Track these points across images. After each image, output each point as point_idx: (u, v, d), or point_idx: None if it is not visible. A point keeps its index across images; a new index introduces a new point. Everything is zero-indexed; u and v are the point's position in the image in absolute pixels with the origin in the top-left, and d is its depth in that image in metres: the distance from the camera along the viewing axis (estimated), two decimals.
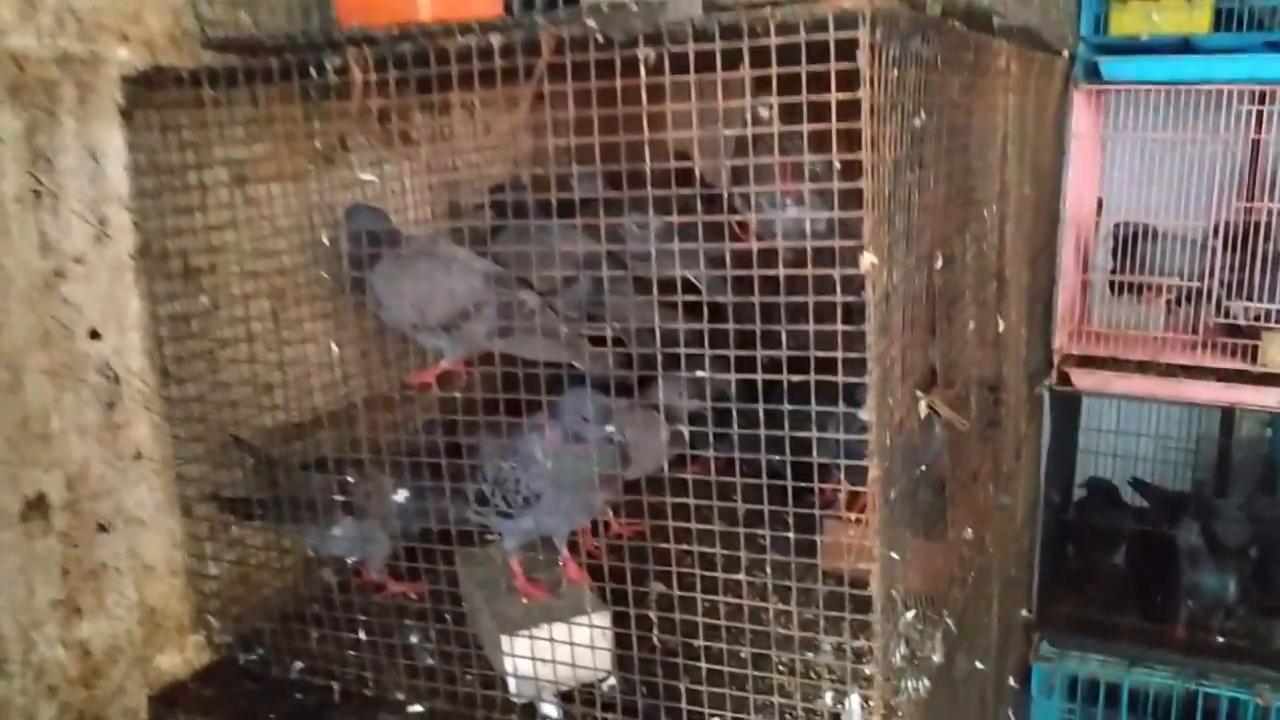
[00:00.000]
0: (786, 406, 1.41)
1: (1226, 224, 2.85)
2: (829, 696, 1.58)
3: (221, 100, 1.64)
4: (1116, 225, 3.00)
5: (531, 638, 1.63)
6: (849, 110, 1.22)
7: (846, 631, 1.47)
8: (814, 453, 1.43)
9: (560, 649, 1.62)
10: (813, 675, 1.62)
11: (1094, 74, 2.84)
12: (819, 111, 1.23)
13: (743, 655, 1.55)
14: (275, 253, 1.91)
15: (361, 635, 1.78)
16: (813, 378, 1.35)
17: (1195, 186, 2.90)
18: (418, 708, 1.70)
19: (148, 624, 1.85)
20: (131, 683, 1.83)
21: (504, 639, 1.65)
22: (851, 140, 1.24)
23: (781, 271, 1.40)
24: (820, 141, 1.27)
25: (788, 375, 1.39)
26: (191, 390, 1.83)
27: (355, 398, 1.99)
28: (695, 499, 1.49)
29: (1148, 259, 2.94)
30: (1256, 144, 2.93)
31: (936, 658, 1.66)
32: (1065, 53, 2.73)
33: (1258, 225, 2.80)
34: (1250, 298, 2.81)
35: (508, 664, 1.65)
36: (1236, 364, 2.86)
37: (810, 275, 1.33)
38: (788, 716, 1.54)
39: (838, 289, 1.35)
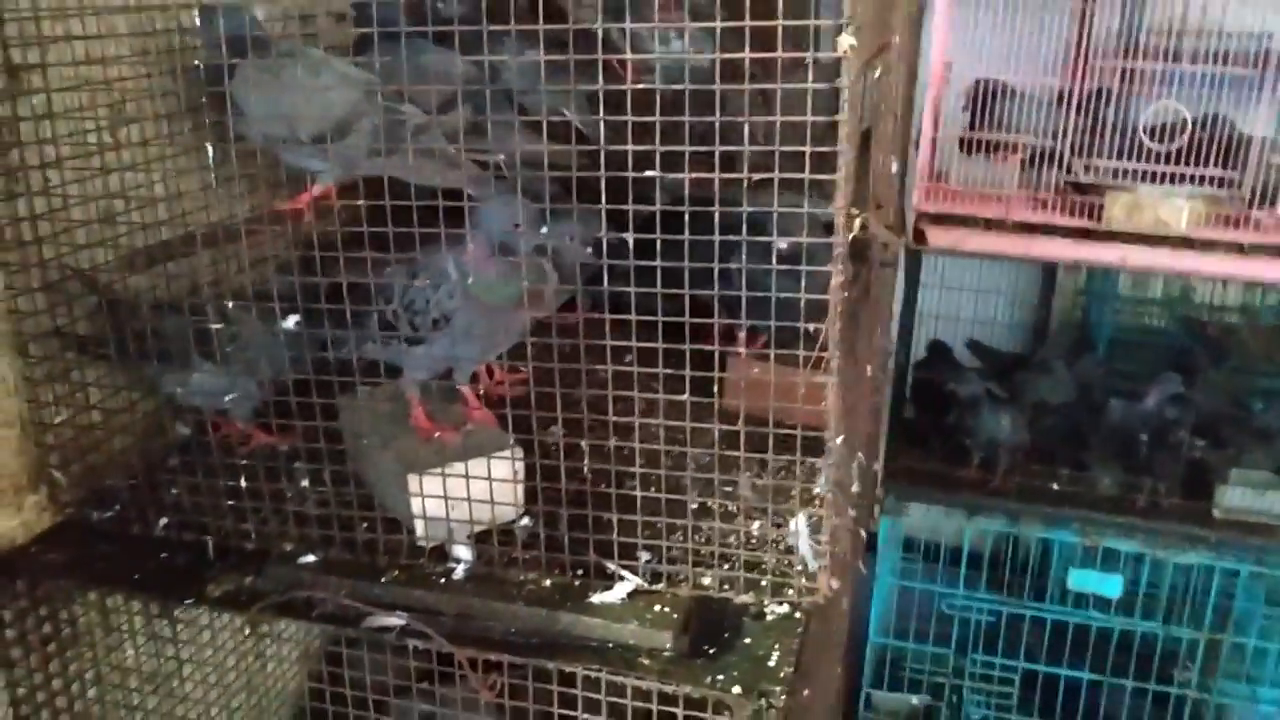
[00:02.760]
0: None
1: (1079, 85, 2.90)
2: (757, 525, 1.53)
3: None
4: (976, 82, 3.00)
5: (443, 475, 1.50)
6: None
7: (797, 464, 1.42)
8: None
9: (472, 489, 1.50)
10: (742, 503, 1.57)
11: None
12: None
13: (677, 482, 1.48)
14: (116, 59, 1.66)
15: (241, 483, 1.59)
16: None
17: (1047, 44, 2.93)
18: (310, 558, 1.55)
19: None
20: None
21: (410, 478, 1.51)
22: None
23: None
24: None
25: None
26: (22, 209, 1.57)
27: (213, 227, 1.76)
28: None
29: (1003, 117, 2.97)
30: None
31: (855, 487, 1.63)
32: None
33: (1106, 88, 2.87)
34: (1097, 157, 2.89)
35: (414, 505, 1.52)
36: (1083, 222, 2.94)
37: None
38: (730, 540, 1.48)
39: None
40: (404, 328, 1.57)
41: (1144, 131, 2.82)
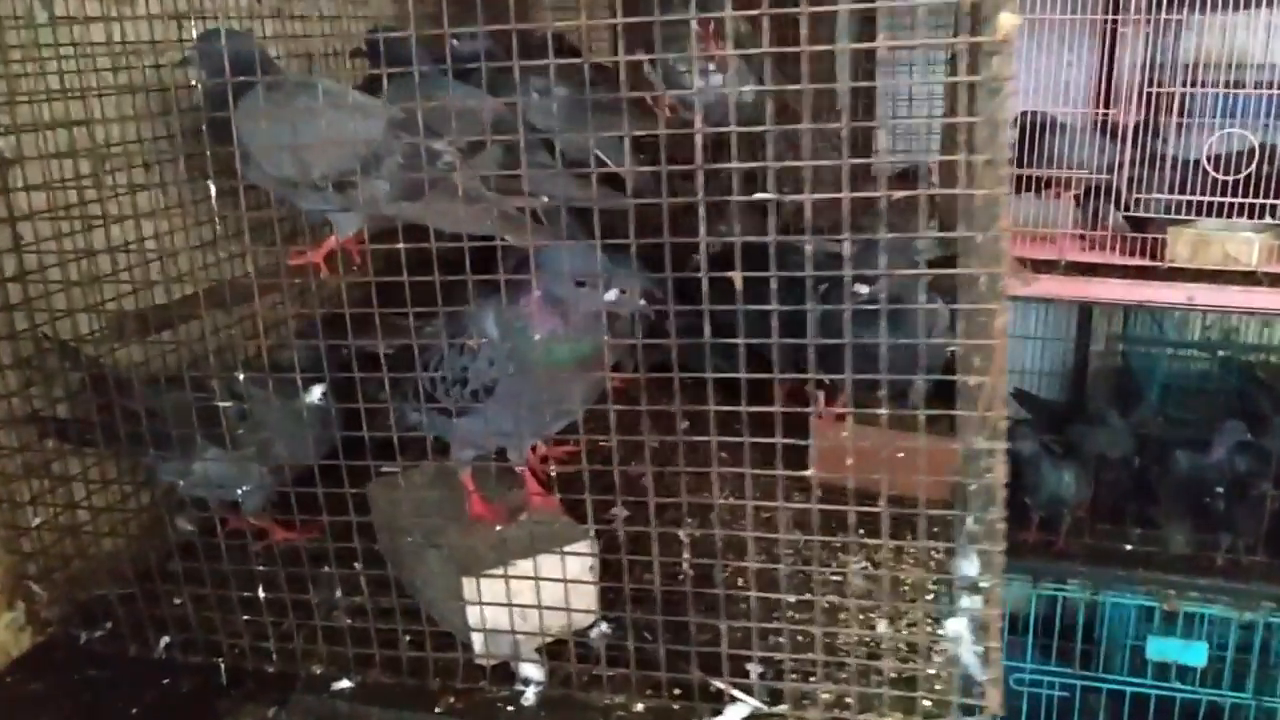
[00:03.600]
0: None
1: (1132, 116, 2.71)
2: (886, 626, 1.27)
3: None
4: (1021, 114, 2.80)
5: (506, 577, 1.23)
6: None
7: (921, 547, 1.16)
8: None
9: (539, 591, 1.24)
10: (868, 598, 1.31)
11: None
12: None
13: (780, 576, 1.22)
14: (98, 91, 1.42)
15: (259, 591, 1.31)
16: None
17: (1097, 74, 2.76)
18: (345, 683, 1.28)
19: None
20: None
21: (465, 582, 1.25)
22: None
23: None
24: None
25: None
26: None
27: (217, 287, 1.51)
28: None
29: (1053, 152, 2.77)
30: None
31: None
32: None
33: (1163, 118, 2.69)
34: (1158, 191, 2.68)
35: (471, 615, 1.25)
36: (1144, 261, 2.74)
37: None
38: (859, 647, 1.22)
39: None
40: (441, 399, 1.31)
41: (1207, 162, 2.63)
